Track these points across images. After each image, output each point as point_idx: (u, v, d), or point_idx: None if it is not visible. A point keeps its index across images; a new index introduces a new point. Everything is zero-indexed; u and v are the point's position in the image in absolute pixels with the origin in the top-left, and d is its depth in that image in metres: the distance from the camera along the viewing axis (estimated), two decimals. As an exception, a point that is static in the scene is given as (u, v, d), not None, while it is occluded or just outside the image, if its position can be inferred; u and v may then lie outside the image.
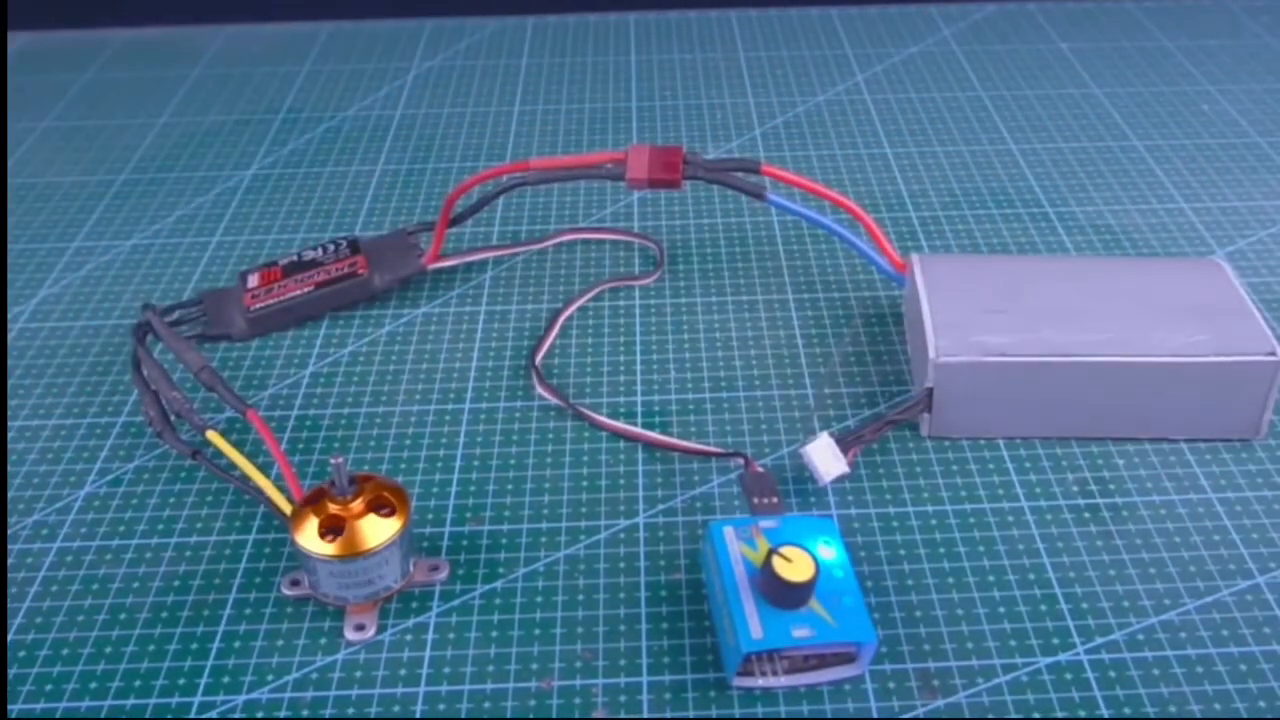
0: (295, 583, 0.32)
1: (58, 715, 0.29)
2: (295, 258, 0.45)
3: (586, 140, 0.57)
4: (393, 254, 0.44)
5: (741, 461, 0.35)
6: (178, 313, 0.43)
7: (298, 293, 0.43)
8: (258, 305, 0.43)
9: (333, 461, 0.30)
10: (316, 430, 0.39)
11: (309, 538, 0.30)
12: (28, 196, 0.54)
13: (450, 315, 0.44)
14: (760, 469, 0.34)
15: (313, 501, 0.31)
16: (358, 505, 0.31)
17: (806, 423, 0.38)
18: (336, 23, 0.72)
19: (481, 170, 0.44)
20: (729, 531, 0.30)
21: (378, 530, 0.31)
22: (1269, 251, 0.47)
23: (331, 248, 0.45)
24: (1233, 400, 0.36)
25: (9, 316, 0.45)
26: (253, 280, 0.44)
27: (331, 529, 0.31)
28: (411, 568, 0.32)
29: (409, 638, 0.31)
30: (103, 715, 0.29)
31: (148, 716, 0.29)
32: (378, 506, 0.31)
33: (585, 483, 0.36)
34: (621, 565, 0.33)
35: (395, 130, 0.59)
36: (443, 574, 0.33)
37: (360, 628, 0.31)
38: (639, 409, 0.39)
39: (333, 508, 0.31)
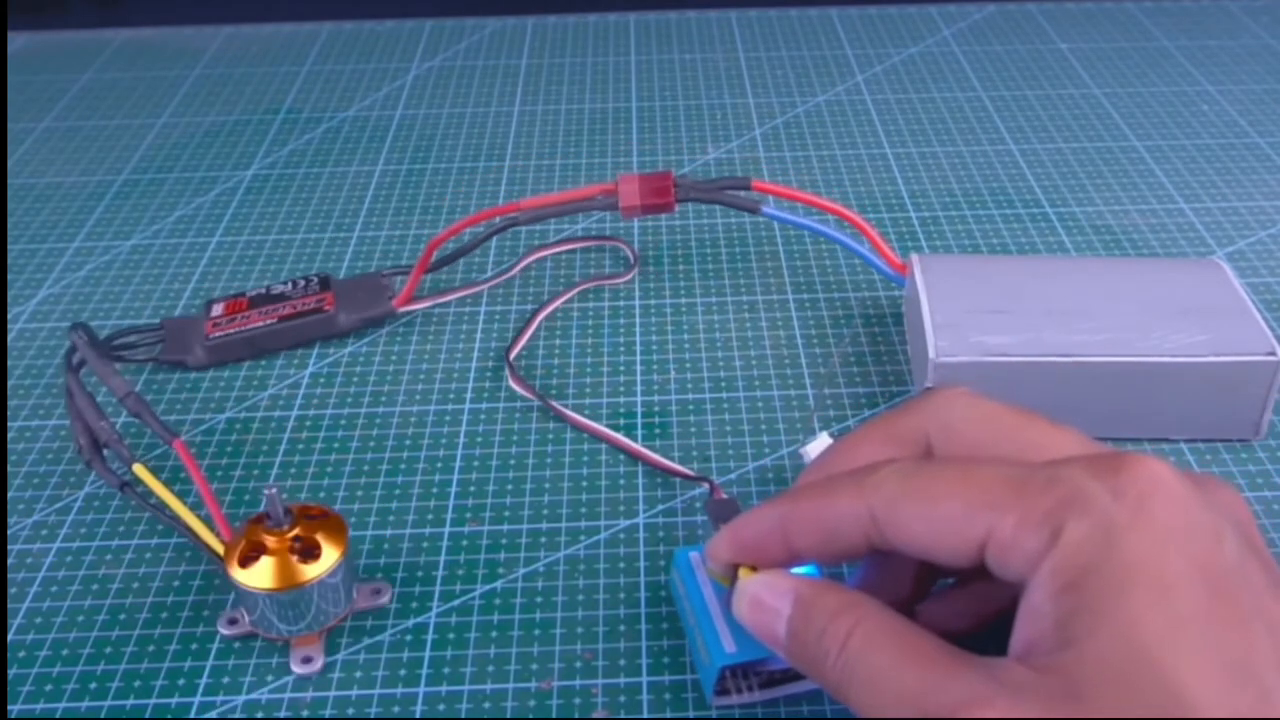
0: (233, 621, 0.31)
1: (58, 715, 0.29)
2: (264, 290, 0.44)
3: (586, 140, 0.57)
4: (363, 294, 0.43)
5: (707, 487, 0.35)
6: (134, 336, 0.42)
7: (260, 324, 0.42)
8: (218, 334, 0.41)
9: (266, 492, 0.29)
10: (316, 430, 0.39)
11: (246, 572, 0.29)
12: (28, 196, 0.54)
13: (450, 315, 0.44)
14: (725, 495, 0.34)
15: (249, 533, 0.30)
16: (290, 538, 0.30)
17: (806, 423, 0.38)
18: (336, 23, 0.72)
19: (472, 214, 0.43)
20: (694, 557, 0.30)
21: (316, 561, 0.30)
22: (1269, 251, 0.47)
23: (302, 283, 0.44)
24: (1232, 400, 0.36)
25: (9, 316, 0.45)
26: (217, 309, 0.43)
27: (267, 559, 0.30)
28: (355, 595, 0.32)
29: (409, 638, 0.31)
30: (103, 715, 0.29)
31: (148, 716, 0.29)
32: (314, 536, 0.30)
33: (585, 483, 0.36)
34: (621, 566, 0.33)
35: (395, 130, 0.59)
36: (384, 597, 0.32)
37: (307, 660, 0.30)
38: (639, 409, 0.39)
39: (269, 540, 0.30)
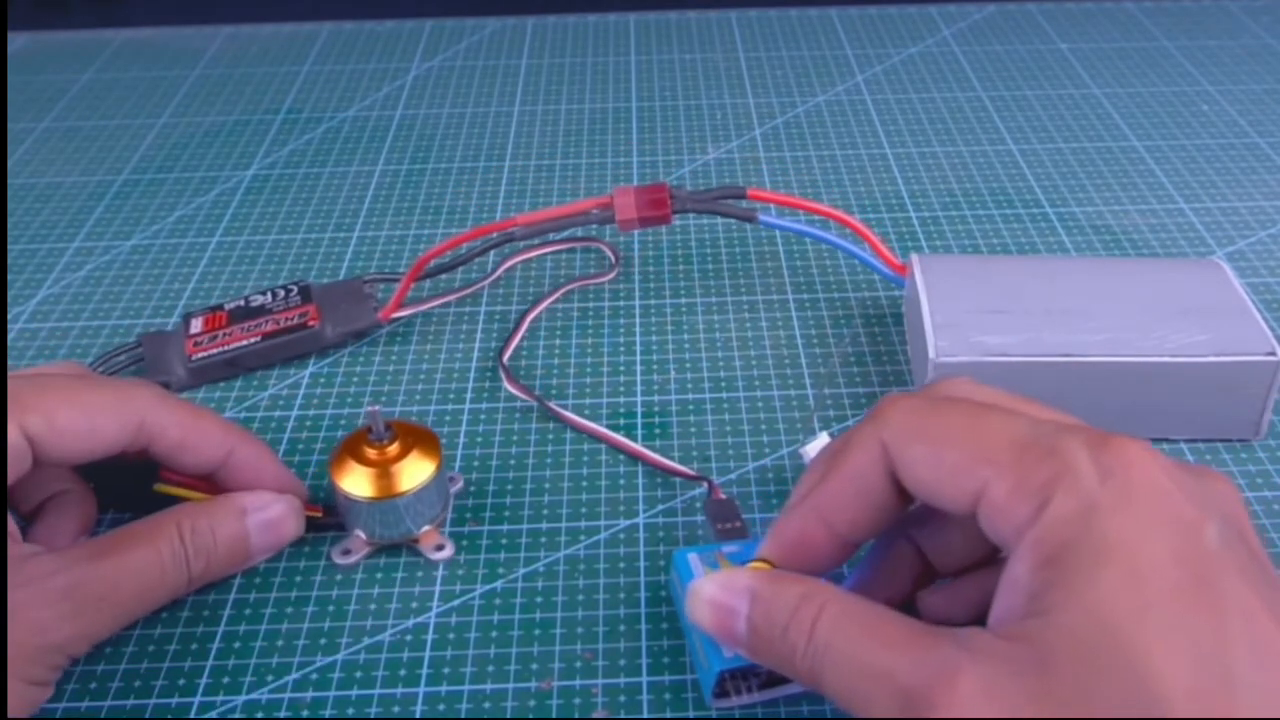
0: (346, 551, 0.33)
1: (58, 715, 0.29)
2: (243, 303, 0.43)
3: (586, 140, 0.57)
4: (346, 304, 0.42)
5: (706, 487, 0.35)
6: (122, 355, 0.41)
7: (243, 343, 0.40)
8: (200, 355, 0.40)
9: (369, 410, 0.32)
10: (317, 430, 0.39)
11: (362, 486, 0.32)
12: (28, 197, 0.54)
13: (450, 315, 0.44)
14: (723, 495, 0.34)
15: (354, 454, 0.33)
16: (395, 449, 0.33)
17: (806, 423, 0.38)
18: (336, 23, 0.72)
19: (470, 228, 0.42)
20: (694, 558, 0.30)
21: (423, 464, 0.33)
22: (1269, 251, 0.47)
23: (281, 293, 0.43)
24: (1233, 400, 0.36)
25: (9, 316, 0.45)
26: (196, 325, 0.41)
27: (377, 471, 0.32)
28: (450, 488, 0.35)
29: (409, 638, 0.31)
30: (103, 715, 0.29)
31: (148, 716, 0.29)
32: (411, 442, 0.33)
33: (585, 483, 0.36)
34: (621, 565, 0.33)
35: (395, 130, 0.59)
36: (459, 484, 0.36)
37: (440, 547, 0.33)
38: (639, 409, 0.39)
39: (372, 453, 0.32)
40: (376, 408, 0.32)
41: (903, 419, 0.25)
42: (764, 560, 0.27)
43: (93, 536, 0.33)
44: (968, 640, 0.22)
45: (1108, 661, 0.20)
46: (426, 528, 0.33)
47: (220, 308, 0.43)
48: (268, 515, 0.32)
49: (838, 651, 0.23)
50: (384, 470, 0.32)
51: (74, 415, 0.29)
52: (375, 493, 0.32)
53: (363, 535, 0.33)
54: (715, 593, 0.26)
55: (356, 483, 0.32)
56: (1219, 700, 0.20)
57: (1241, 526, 0.23)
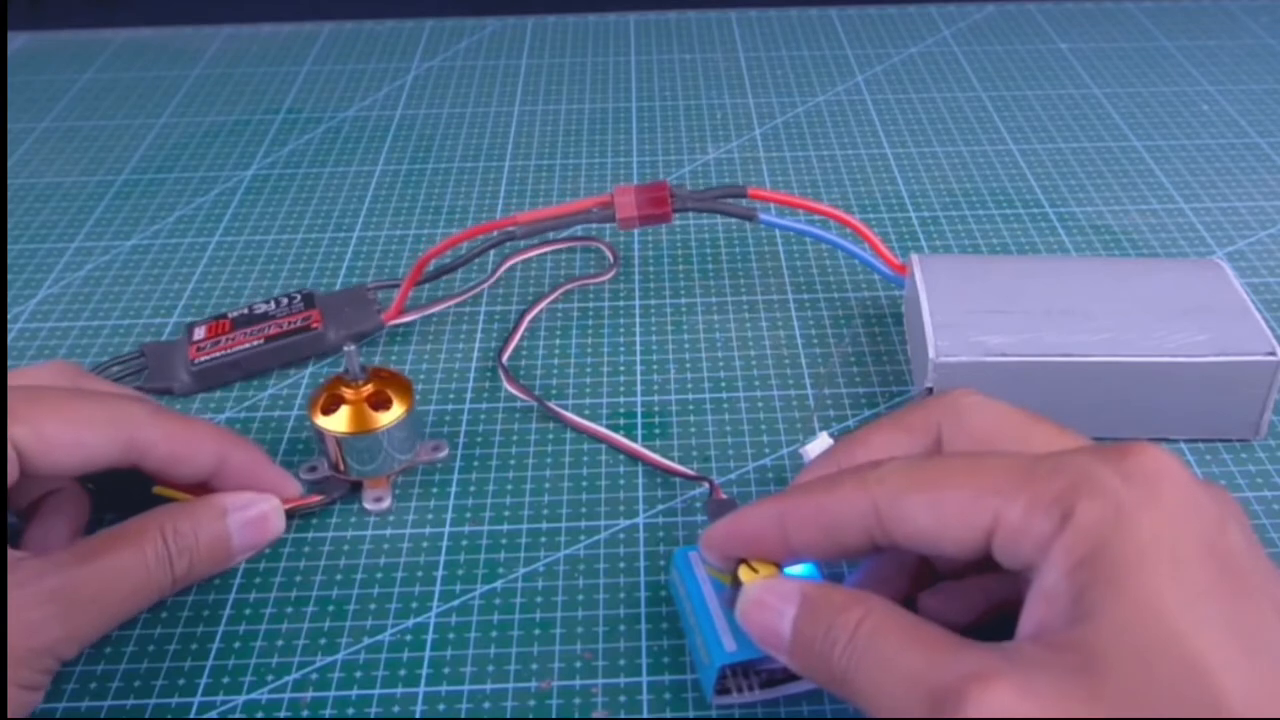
0: (313, 468, 0.36)
1: (58, 715, 0.29)
2: (246, 311, 0.43)
3: (586, 140, 0.57)
4: (350, 309, 0.42)
5: (707, 487, 0.35)
6: (116, 368, 0.41)
7: (246, 346, 0.41)
8: (203, 358, 0.40)
9: (346, 349, 0.33)
10: (316, 430, 0.39)
11: (327, 419, 0.34)
12: (28, 196, 0.54)
13: (450, 316, 0.44)
14: (724, 496, 0.34)
15: (330, 388, 0.34)
16: (368, 389, 0.34)
17: (806, 423, 0.38)
18: (336, 23, 0.72)
19: (469, 226, 0.42)
20: (694, 558, 0.30)
21: (387, 411, 0.34)
22: (1269, 251, 0.47)
23: (285, 301, 0.43)
24: (1232, 400, 0.36)
25: (9, 316, 0.45)
26: (199, 333, 0.41)
27: (345, 408, 0.34)
28: (418, 447, 0.36)
29: (409, 638, 0.31)
30: (103, 715, 0.29)
31: (148, 716, 0.29)
32: (385, 391, 0.35)
33: (585, 483, 0.36)
34: (621, 565, 0.33)
35: (395, 130, 0.59)
36: (443, 453, 0.36)
37: (379, 499, 0.35)
38: (639, 409, 0.39)
39: (347, 392, 0.34)
40: (354, 347, 0.34)
41: (897, 478, 0.25)
42: (747, 563, 0.27)
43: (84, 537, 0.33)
44: (1007, 649, 0.22)
45: (1160, 656, 0.20)
46: (374, 475, 0.35)
47: (224, 316, 0.43)
48: (248, 514, 0.32)
49: (876, 651, 0.23)
50: (355, 409, 0.34)
51: (61, 428, 0.29)
52: (339, 427, 0.34)
53: (323, 464, 0.35)
54: (763, 594, 0.26)
55: (327, 416, 0.34)
56: (1271, 684, 0.20)
57: (1245, 526, 0.23)
